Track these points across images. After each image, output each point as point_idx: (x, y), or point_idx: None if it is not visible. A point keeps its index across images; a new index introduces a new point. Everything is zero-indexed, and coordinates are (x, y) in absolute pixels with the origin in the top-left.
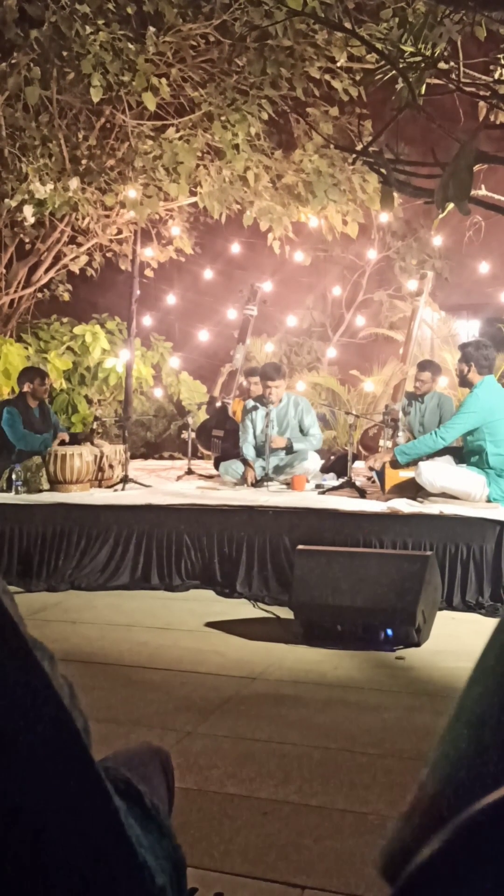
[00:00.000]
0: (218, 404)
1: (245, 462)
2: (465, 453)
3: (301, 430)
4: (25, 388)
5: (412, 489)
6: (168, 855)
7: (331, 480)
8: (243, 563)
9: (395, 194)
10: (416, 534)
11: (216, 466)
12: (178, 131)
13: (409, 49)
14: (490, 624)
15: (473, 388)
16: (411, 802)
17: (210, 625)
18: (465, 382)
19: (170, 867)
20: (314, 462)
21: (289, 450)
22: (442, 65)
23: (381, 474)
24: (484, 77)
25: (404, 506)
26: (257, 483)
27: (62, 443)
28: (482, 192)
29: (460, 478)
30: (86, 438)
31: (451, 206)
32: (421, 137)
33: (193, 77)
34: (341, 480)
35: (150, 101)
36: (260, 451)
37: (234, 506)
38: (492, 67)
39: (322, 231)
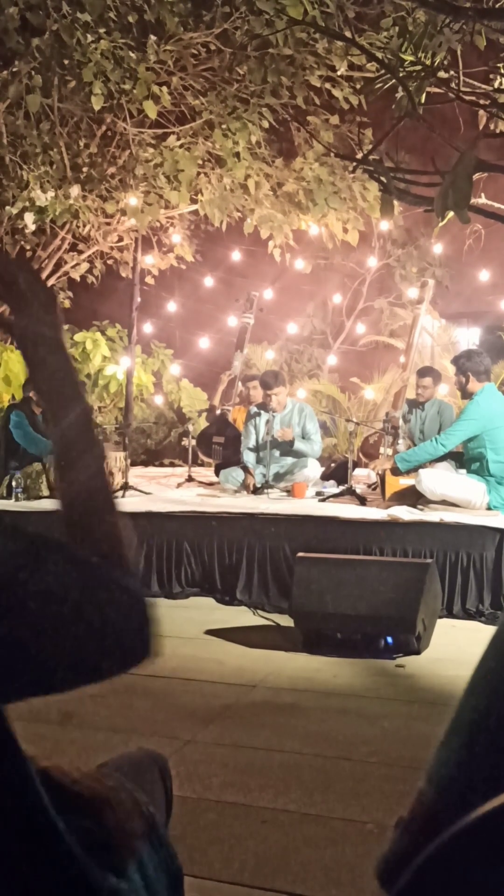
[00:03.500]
0: (218, 412)
1: (245, 469)
2: (466, 461)
3: (303, 436)
4: (31, 394)
5: (412, 497)
6: (164, 865)
7: (331, 488)
8: (243, 570)
9: (396, 203)
10: (416, 541)
11: (216, 474)
12: (178, 139)
13: (409, 58)
14: (490, 632)
15: (474, 396)
16: (410, 811)
17: (210, 632)
18: (466, 394)
19: (166, 878)
20: (314, 469)
21: (291, 445)
22: (442, 74)
23: (381, 481)
24: (484, 86)
25: (404, 513)
26: (257, 490)
27: None
28: (482, 200)
29: (461, 485)
30: None
31: (450, 214)
32: (421, 146)
33: (194, 85)
34: (341, 488)
35: (151, 110)
36: (261, 458)
37: (234, 513)
38: (491, 76)
39: (322, 239)
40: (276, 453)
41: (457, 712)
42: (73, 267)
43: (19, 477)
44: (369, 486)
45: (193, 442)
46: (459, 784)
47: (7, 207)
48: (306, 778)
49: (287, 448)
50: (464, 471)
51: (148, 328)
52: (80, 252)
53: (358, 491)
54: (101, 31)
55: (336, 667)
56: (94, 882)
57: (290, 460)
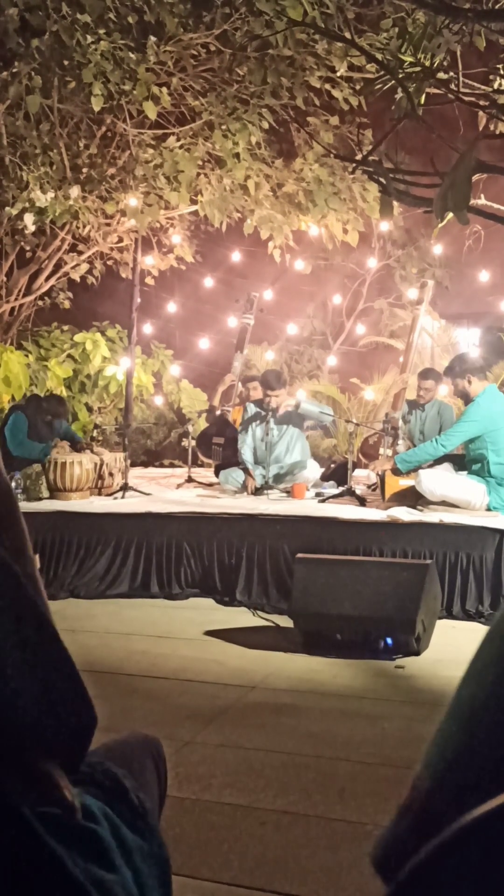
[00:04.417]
0: (218, 412)
1: (245, 470)
2: (467, 461)
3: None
4: (43, 404)
5: (412, 497)
6: (153, 854)
7: (331, 489)
8: (243, 571)
9: (395, 203)
10: (415, 542)
11: (216, 474)
12: (178, 140)
13: (408, 59)
14: None
15: (475, 398)
16: (406, 800)
17: (209, 633)
18: (469, 398)
19: (155, 867)
20: (314, 470)
21: (298, 413)
22: (441, 75)
23: (381, 482)
24: (483, 87)
25: (404, 514)
26: (257, 491)
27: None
28: (482, 201)
29: (460, 486)
30: (86, 446)
31: (450, 215)
32: (421, 147)
33: (194, 86)
34: (341, 489)
35: (151, 110)
36: (260, 460)
37: (233, 514)
38: (491, 77)
39: (322, 239)
40: (291, 447)
41: (453, 702)
42: (73, 267)
43: (19, 478)
44: (369, 486)
45: (193, 443)
46: (456, 772)
47: (7, 208)
48: (306, 779)
49: (298, 420)
50: (464, 473)
51: (148, 329)
52: (80, 253)
53: (357, 492)
54: (101, 31)
55: (335, 668)
56: (73, 873)
57: (289, 460)
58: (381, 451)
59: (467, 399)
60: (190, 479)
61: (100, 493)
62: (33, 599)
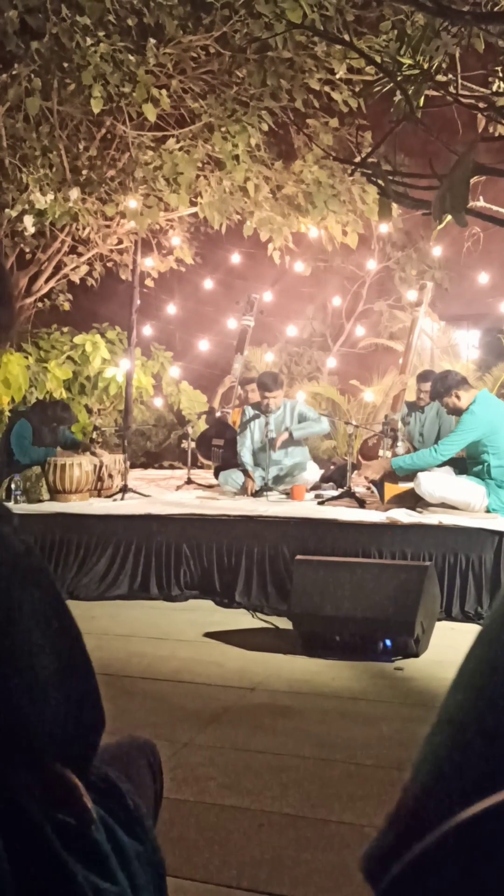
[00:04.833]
0: (217, 414)
1: (245, 472)
2: (468, 463)
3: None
4: (48, 412)
5: (411, 499)
6: (148, 858)
7: (330, 490)
8: (242, 573)
9: (394, 205)
10: (414, 544)
11: (216, 476)
12: (178, 142)
13: (407, 61)
14: None
15: (469, 406)
16: (396, 806)
17: (208, 635)
18: (461, 411)
19: (150, 870)
20: (313, 472)
21: (293, 439)
22: (440, 77)
23: (380, 485)
24: (482, 89)
25: (403, 516)
26: (257, 493)
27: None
28: (480, 203)
29: (460, 488)
30: (85, 448)
31: (448, 217)
32: (420, 149)
33: (194, 88)
34: (340, 490)
35: (151, 113)
36: (259, 461)
37: (233, 516)
38: (490, 80)
39: (322, 241)
40: (290, 449)
41: (442, 708)
42: (72, 269)
43: (19, 479)
44: (368, 488)
45: (193, 444)
46: (444, 781)
47: (7, 210)
48: (304, 781)
49: (293, 442)
50: (464, 475)
51: (148, 330)
52: (80, 255)
53: (357, 493)
54: (101, 34)
55: (334, 669)
56: (77, 882)
57: (288, 462)
58: (381, 452)
59: (460, 413)
60: (189, 481)
61: (99, 495)
62: (66, 606)
